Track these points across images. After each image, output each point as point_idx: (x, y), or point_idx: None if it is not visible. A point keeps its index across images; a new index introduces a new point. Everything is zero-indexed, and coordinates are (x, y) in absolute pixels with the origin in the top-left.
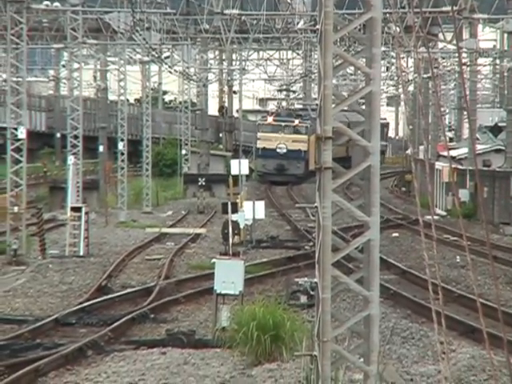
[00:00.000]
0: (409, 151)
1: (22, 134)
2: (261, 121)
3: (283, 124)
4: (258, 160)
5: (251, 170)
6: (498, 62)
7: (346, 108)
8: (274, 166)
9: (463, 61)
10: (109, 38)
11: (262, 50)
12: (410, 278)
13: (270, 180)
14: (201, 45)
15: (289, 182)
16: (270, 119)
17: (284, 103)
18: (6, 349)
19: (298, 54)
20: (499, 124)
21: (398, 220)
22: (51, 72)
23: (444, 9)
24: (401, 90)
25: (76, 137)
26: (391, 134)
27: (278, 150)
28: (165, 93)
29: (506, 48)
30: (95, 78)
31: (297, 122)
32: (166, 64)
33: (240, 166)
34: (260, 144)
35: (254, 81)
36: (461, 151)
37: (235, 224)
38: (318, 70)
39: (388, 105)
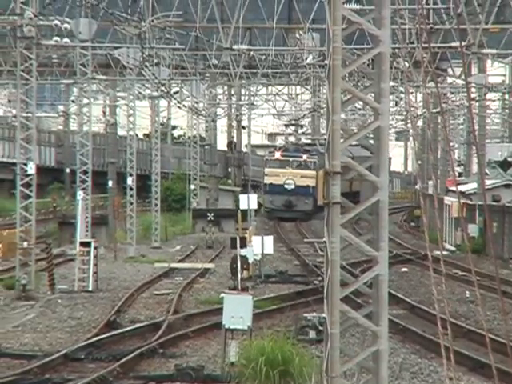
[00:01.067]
0: (418, 186)
1: (31, 169)
2: (268, 156)
3: (291, 159)
4: (265, 196)
5: (260, 204)
6: (506, 96)
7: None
8: (281, 202)
9: (472, 95)
10: (118, 73)
11: (270, 85)
12: (419, 313)
13: (278, 216)
14: (210, 80)
15: (297, 219)
16: (277, 154)
17: (291, 138)
18: None
19: (306, 89)
20: (508, 159)
21: (407, 255)
22: (61, 107)
23: (453, 44)
24: (409, 125)
25: (85, 172)
26: (398, 168)
27: (285, 186)
28: (174, 128)
29: None
30: (104, 113)
31: (305, 157)
32: (175, 99)
33: (249, 201)
34: (267, 180)
35: (262, 116)
36: (470, 186)
37: (244, 259)
38: (326, 104)
39: (397, 140)
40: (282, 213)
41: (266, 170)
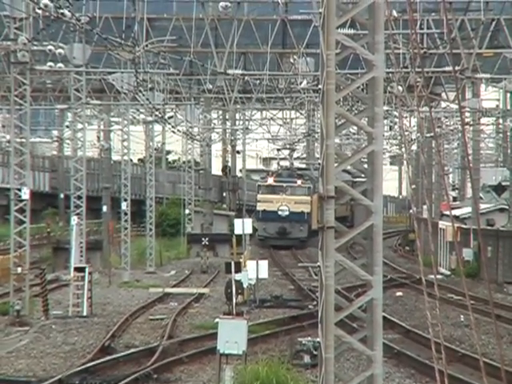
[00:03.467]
0: (412, 210)
1: (25, 194)
2: (260, 182)
3: (285, 185)
4: (258, 223)
5: (255, 229)
6: (500, 121)
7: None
8: (275, 230)
9: (466, 120)
10: (112, 98)
11: (265, 110)
12: (413, 337)
13: (272, 244)
14: (204, 105)
15: (292, 247)
16: (270, 180)
17: (284, 162)
18: None
19: (301, 114)
20: (503, 183)
21: (401, 279)
22: (55, 132)
23: (446, 68)
24: (404, 150)
25: (79, 197)
26: (393, 193)
27: (279, 213)
28: (168, 152)
29: (508, 107)
30: (99, 138)
31: (299, 182)
32: (169, 124)
33: (243, 226)
34: (260, 206)
35: (257, 140)
36: (464, 210)
37: (238, 283)
38: (320, 129)
39: (391, 164)
40: (276, 240)
41: (259, 197)
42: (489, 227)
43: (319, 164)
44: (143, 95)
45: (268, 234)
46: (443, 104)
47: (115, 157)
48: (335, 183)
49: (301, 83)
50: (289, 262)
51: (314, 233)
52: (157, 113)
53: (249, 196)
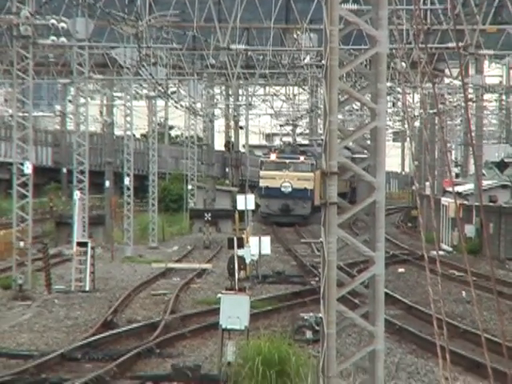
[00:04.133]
0: (414, 187)
1: (28, 169)
2: (263, 158)
3: (287, 161)
4: (261, 200)
5: (257, 205)
6: (504, 97)
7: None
8: (278, 207)
9: (469, 96)
10: (115, 73)
11: (268, 86)
12: (415, 313)
13: (275, 221)
14: (207, 80)
15: (295, 224)
16: (273, 156)
17: (286, 138)
18: None
19: (304, 90)
20: (505, 160)
21: (404, 255)
22: (57, 107)
23: (450, 45)
24: (407, 126)
25: (82, 172)
26: (395, 169)
27: (282, 189)
28: (171, 128)
29: (511, 84)
30: (101, 113)
31: (302, 158)
32: (172, 99)
33: (246, 202)
34: (263, 183)
35: (260, 116)
36: (467, 187)
37: (241, 259)
38: (323, 105)
39: (394, 140)
40: (279, 217)
41: (262, 173)
42: (491, 204)
43: (322, 140)
44: (146, 70)
45: (271, 211)
46: (446, 80)
47: (118, 132)
48: (338, 159)
49: (304, 59)
50: (291, 238)
51: (317, 209)
52: (160, 88)
53: (251, 172)
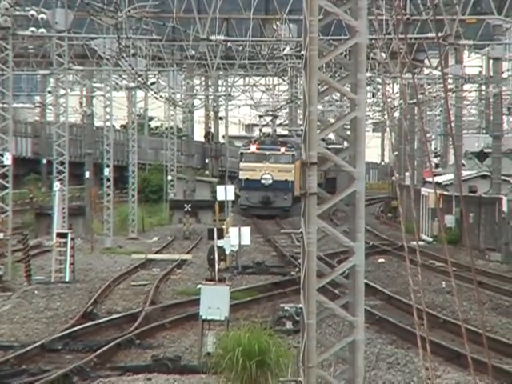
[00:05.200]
0: (394, 177)
1: (7, 160)
2: (243, 149)
3: (268, 153)
4: (241, 192)
5: (237, 196)
6: (483, 87)
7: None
8: (258, 199)
9: (449, 87)
10: (95, 63)
11: (247, 76)
12: (395, 303)
13: (255, 214)
14: (187, 71)
15: (275, 216)
16: (252, 148)
17: (266, 129)
18: None
19: (283, 80)
20: (485, 150)
21: (384, 246)
22: (37, 98)
23: (429, 35)
24: (386, 116)
25: (62, 163)
26: (375, 159)
27: (262, 181)
28: (151, 119)
29: (491, 74)
30: (81, 104)
31: (283, 149)
32: (151, 90)
33: (226, 192)
34: (243, 175)
35: (240, 107)
36: (446, 177)
37: (221, 250)
38: (303, 95)
39: (374, 131)
40: (259, 210)
41: (242, 165)
42: (471, 194)
43: (302, 130)
44: (126, 61)
45: (251, 204)
46: (426, 70)
47: (97, 123)
48: (318, 149)
49: (284, 49)
50: (271, 229)
51: (298, 201)
52: (139, 79)
53: (231, 163)
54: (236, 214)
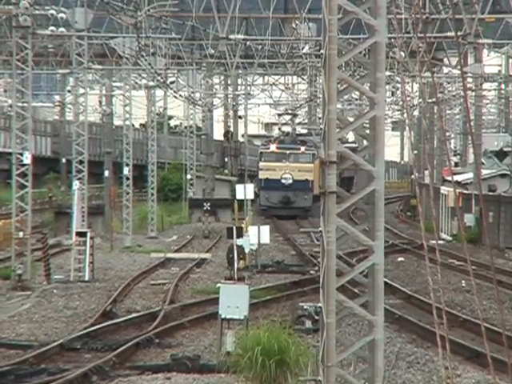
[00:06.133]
0: (414, 176)
1: (27, 159)
2: (262, 149)
3: (288, 152)
4: (261, 192)
5: (256, 194)
6: (503, 86)
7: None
8: (278, 199)
9: (468, 85)
10: (114, 63)
11: (267, 75)
12: (415, 302)
13: (275, 214)
14: (206, 70)
15: (296, 216)
16: (272, 147)
17: (285, 128)
18: (11, 374)
19: (302, 79)
20: (504, 149)
21: (403, 245)
22: (57, 97)
23: (449, 34)
24: (405, 115)
25: (81, 162)
26: (395, 158)
27: (282, 181)
28: (170, 118)
29: (511, 73)
30: (100, 103)
31: (303, 149)
32: (171, 89)
33: (245, 191)
34: (262, 174)
35: (259, 105)
36: (466, 176)
37: (240, 249)
38: (322, 94)
39: (393, 129)
40: (280, 210)
41: (261, 164)
42: (490, 193)
43: (321, 129)
44: (145, 60)
45: (271, 204)
46: (445, 69)
47: (117, 122)
48: (337, 148)
49: (303, 48)
50: (290, 228)
51: (318, 200)
52: (159, 78)
53: (250, 161)
54: (255, 214)
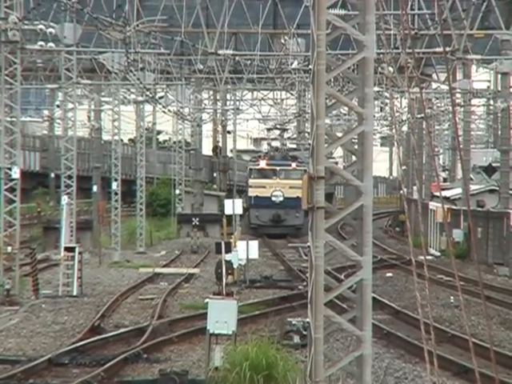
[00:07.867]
0: (402, 191)
1: (15, 173)
2: (252, 165)
3: (278, 168)
4: (250, 210)
5: (245, 209)
6: (491, 102)
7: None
8: (269, 217)
9: (457, 101)
10: (103, 78)
11: (255, 90)
12: (403, 318)
13: (266, 233)
14: (195, 85)
15: (286, 235)
16: (262, 163)
17: (274, 143)
18: None
19: (291, 94)
20: (493, 164)
21: (391, 260)
22: (45, 112)
23: (437, 49)
24: (394, 131)
25: (70, 177)
26: (383, 173)
27: (273, 199)
28: (159, 133)
29: (499, 88)
30: (89, 118)
31: (294, 165)
32: (160, 104)
33: (234, 206)
34: (252, 192)
35: (248, 121)
36: (454, 191)
37: (229, 264)
38: (311, 109)
39: (382, 145)
40: (270, 229)
41: (251, 181)
42: (479, 208)
43: (309, 144)
44: (134, 75)
45: (261, 222)
46: (434, 85)
47: (106, 137)
48: (325, 164)
49: (291, 64)
50: (279, 243)
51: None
52: (147, 93)
53: (239, 176)
54: (244, 231)
